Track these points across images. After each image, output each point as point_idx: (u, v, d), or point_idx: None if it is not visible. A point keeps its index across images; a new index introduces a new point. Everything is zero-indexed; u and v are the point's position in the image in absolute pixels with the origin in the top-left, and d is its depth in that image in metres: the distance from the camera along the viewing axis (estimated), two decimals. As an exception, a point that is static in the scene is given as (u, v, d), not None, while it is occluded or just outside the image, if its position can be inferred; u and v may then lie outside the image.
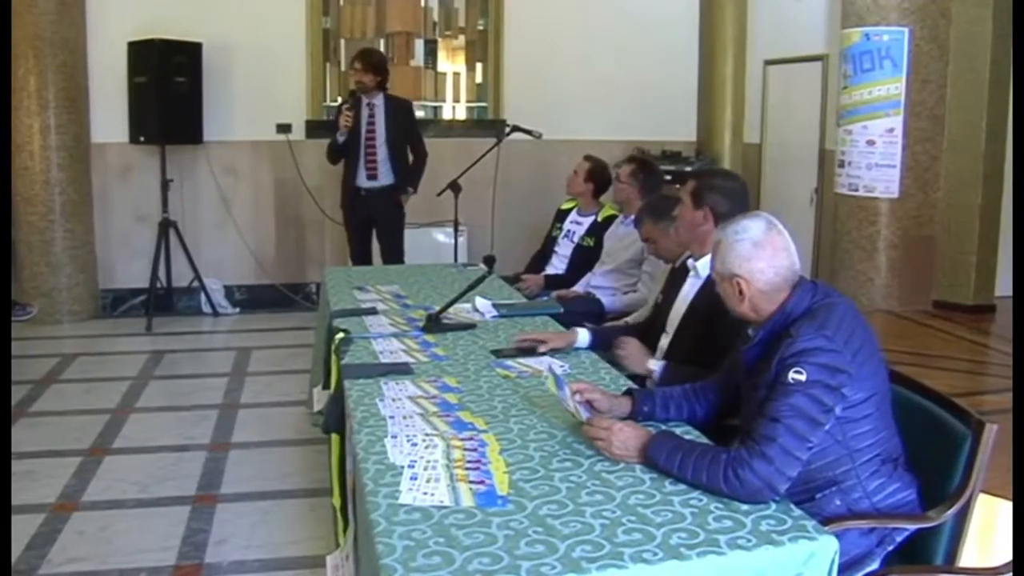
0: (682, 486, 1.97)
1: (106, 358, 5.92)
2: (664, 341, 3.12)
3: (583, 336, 3.17)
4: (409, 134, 5.95)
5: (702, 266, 2.93)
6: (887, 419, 2.17)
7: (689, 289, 3.04)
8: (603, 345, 3.11)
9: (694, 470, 1.96)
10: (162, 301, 6.94)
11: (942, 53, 5.43)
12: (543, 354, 3.06)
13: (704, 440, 2.21)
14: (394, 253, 5.99)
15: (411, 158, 5.96)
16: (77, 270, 6.76)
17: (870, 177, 5.49)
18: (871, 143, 5.46)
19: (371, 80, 5.81)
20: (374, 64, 5.86)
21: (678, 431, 2.24)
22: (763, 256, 2.16)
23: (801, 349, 2.02)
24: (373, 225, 6.01)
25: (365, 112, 5.82)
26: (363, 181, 5.88)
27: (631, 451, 2.09)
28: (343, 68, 7.46)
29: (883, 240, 5.51)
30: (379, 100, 5.87)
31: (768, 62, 7.26)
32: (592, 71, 7.49)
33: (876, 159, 5.46)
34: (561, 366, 2.91)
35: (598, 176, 5.01)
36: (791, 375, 2.00)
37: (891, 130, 5.41)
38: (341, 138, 5.77)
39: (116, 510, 3.64)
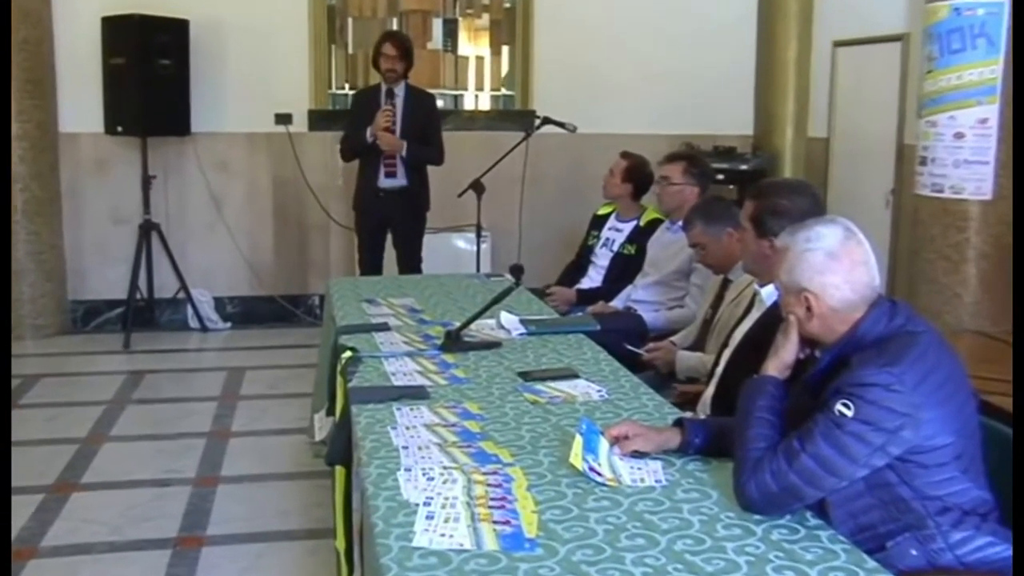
0: (737, 531, 1.98)
1: (76, 379, 5.99)
2: (718, 368, 3.13)
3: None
4: (428, 132, 5.99)
5: (767, 294, 2.94)
6: (973, 470, 2.15)
7: (752, 319, 3.05)
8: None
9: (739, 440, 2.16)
10: (142, 314, 7.01)
11: (1048, 30, 5.38)
12: (574, 376, 3.07)
13: None
14: (411, 261, 6.06)
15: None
16: (43, 278, 6.80)
17: (958, 176, 5.46)
18: (959, 136, 5.42)
19: (403, 68, 5.93)
20: (407, 49, 5.99)
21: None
22: (838, 270, 2.15)
23: (858, 382, 2.02)
24: (389, 230, 6.08)
25: (385, 103, 5.91)
26: (382, 180, 5.95)
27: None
28: (351, 50, 7.53)
29: (972, 249, 5.47)
30: (400, 90, 5.98)
31: (838, 43, 7.23)
32: (634, 55, 7.50)
33: (965, 155, 5.42)
34: (598, 391, 2.92)
35: (637, 175, 5.03)
36: (838, 406, 2.02)
37: (984, 121, 5.36)
38: (372, 138, 5.85)
39: (83, 556, 3.65)
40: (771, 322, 2.46)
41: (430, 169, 6.12)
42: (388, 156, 5.91)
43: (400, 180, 5.98)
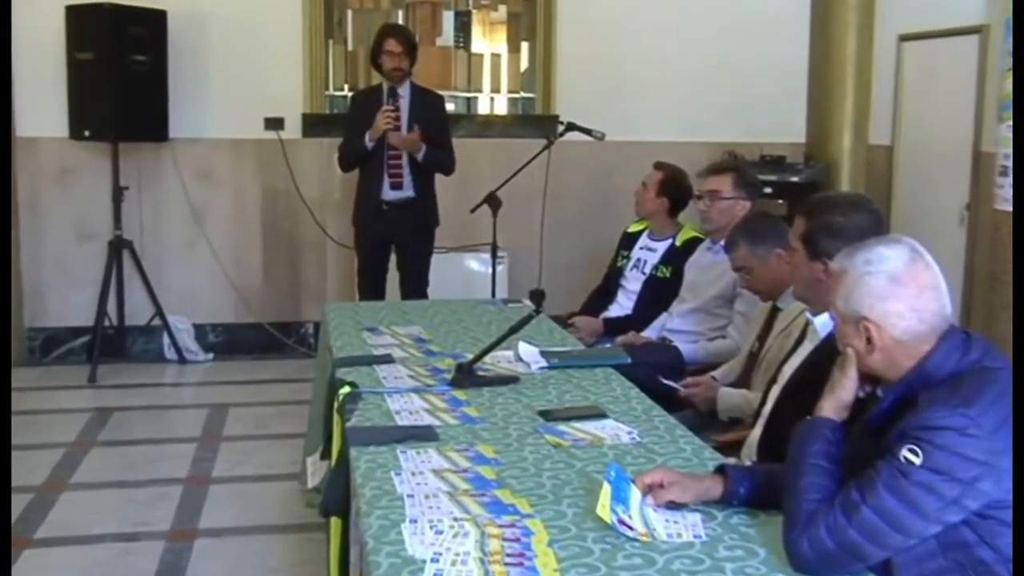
0: (788, 593, 1.98)
1: (32, 418, 5.96)
2: (765, 408, 3.14)
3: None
4: (437, 138, 6.02)
5: (821, 324, 2.94)
6: None
7: (804, 352, 3.06)
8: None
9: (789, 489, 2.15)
10: (111, 344, 7.05)
11: None
12: (602, 415, 3.08)
13: None
14: (416, 285, 6.08)
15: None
16: (-4, 302, 6.85)
17: (1044, 189, 5.45)
18: (1048, 143, 5.42)
19: (408, 65, 5.99)
20: (413, 44, 6.07)
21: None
22: (903, 296, 2.15)
23: (928, 425, 2.01)
24: (392, 249, 6.12)
25: (388, 104, 5.94)
26: (386, 192, 5.99)
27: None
28: (350, 47, 7.58)
29: (1061, 273, 5.45)
30: (405, 90, 6.04)
31: (904, 37, 7.25)
32: (670, 53, 7.53)
33: (1054, 165, 5.41)
34: (629, 432, 2.92)
35: (674, 188, 5.05)
36: (904, 452, 2.00)
37: (1075, 126, 5.36)
38: (371, 143, 5.89)
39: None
40: (826, 356, 2.46)
41: (438, 180, 6.15)
42: (394, 165, 5.95)
43: (407, 191, 6.01)
